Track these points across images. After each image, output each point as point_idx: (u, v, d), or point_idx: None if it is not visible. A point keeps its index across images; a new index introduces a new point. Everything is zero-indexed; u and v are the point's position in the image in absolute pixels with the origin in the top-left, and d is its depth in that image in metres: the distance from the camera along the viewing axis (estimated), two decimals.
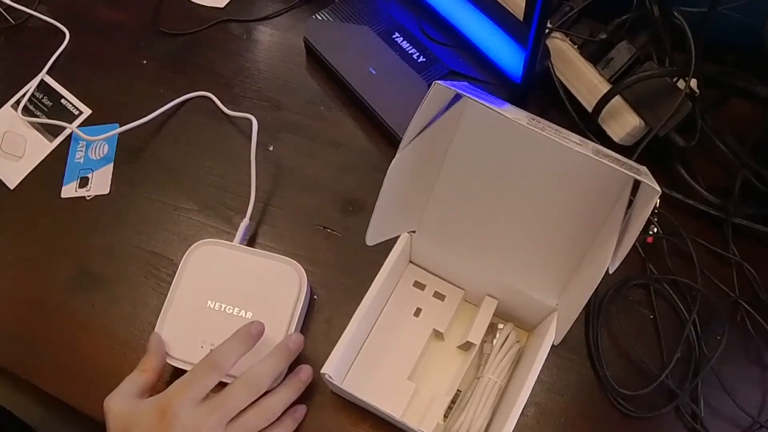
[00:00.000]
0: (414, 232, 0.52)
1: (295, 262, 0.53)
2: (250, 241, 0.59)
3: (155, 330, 0.51)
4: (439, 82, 0.39)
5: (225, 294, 0.52)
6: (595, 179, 0.44)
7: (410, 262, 0.56)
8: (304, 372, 0.50)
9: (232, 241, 0.56)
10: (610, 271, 0.41)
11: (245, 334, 0.47)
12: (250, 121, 0.61)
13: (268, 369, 0.47)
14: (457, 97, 0.43)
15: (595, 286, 0.41)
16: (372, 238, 0.48)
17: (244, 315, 0.51)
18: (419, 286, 0.55)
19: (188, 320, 0.51)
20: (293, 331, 0.51)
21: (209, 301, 0.52)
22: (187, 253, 0.53)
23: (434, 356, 0.53)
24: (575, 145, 0.38)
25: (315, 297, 0.56)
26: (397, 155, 0.43)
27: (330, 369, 0.46)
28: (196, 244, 0.54)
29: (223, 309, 0.51)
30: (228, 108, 0.65)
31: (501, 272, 0.50)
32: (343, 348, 0.47)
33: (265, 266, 0.53)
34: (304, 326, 0.55)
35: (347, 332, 0.47)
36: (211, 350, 0.46)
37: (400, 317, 0.54)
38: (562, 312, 0.47)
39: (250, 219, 0.58)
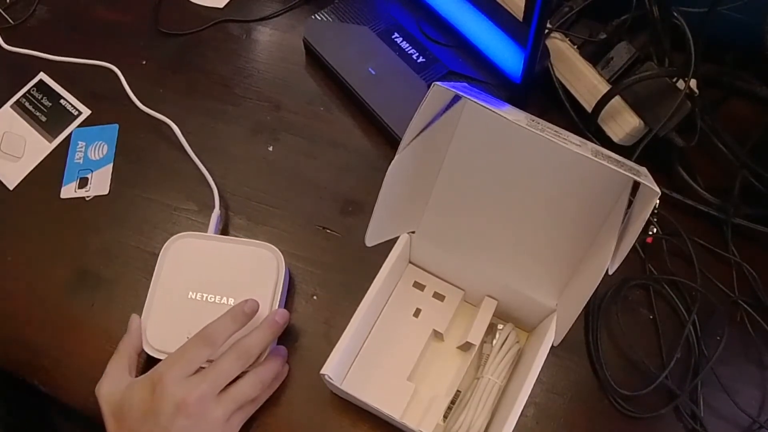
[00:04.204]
0: (413, 232, 0.52)
1: (270, 245, 0.54)
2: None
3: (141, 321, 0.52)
4: (438, 83, 0.39)
5: (205, 284, 0.53)
6: (594, 180, 0.44)
7: (410, 262, 0.56)
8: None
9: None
10: (610, 272, 0.41)
11: (239, 311, 0.48)
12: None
13: (257, 341, 0.48)
14: (456, 98, 0.43)
15: (595, 287, 0.41)
16: (371, 239, 0.48)
17: (226, 302, 0.52)
18: (419, 286, 0.55)
19: (171, 314, 0.52)
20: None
21: (190, 293, 0.52)
22: (163, 249, 0.54)
23: (434, 357, 0.53)
24: (575, 146, 0.38)
25: (314, 297, 0.56)
26: (396, 156, 0.43)
27: (329, 370, 0.46)
28: (171, 239, 0.54)
29: (204, 298, 0.52)
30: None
31: (500, 273, 0.50)
32: (343, 349, 0.47)
33: (241, 252, 0.54)
34: (303, 326, 0.55)
35: (347, 333, 0.47)
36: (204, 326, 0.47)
37: (400, 318, 0.54)
38: (561, 313, 0.47)
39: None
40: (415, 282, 0.55)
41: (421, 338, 0.52)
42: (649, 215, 0.37)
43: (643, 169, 0.40)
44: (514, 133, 0.45)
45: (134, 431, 0.44)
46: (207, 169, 0.60)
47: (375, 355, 0.52)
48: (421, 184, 0.50)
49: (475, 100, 0.38)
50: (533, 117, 0.41)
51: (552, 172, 0.45)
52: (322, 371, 0.46)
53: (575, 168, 0.44)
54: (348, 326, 0.48)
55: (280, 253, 0.54)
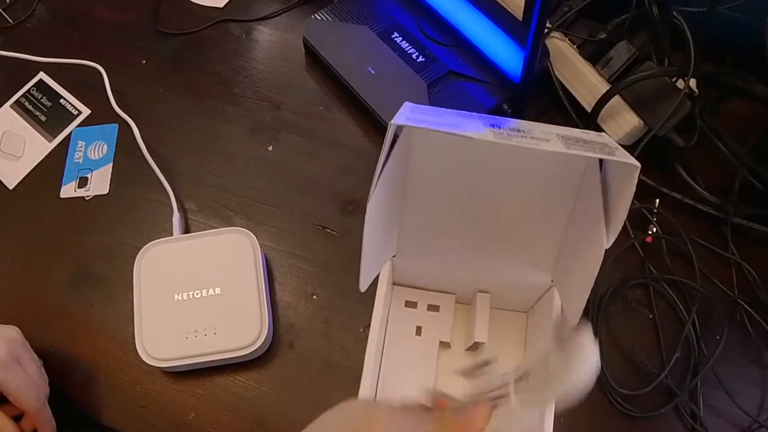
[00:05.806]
0: (394, 256, 0.51)
1: (240, 228, 0.55)
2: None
3: (135, 337, 0.51)
4: (393, 121, 0.37)
5: (187, 283, 0.53)
6: (561, 162, 0.43)
7: (394, 284, 0.55)
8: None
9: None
10: (607, 246, 0.39)
11: None
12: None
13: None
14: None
15: (598, 266, 0.39)
16: (364, 283, 0.46)
17: (214, 292, 0.52)
18: (411, 304, 0.55)
19: (163, 321, 0.52)
20: (265, 288, 0.52)
21: (176, 295, 0.52)
22: (135, 263, 0.54)
23: (447, 365, 0.53)
24: (541, 141, 0.35)
25: (314, 297, 0.56)
26: (369, 200, 0.42)
27: None
28: (140, 252, 0.54)
29: (191, 296, 0.52)
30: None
31: (487, 267, 0.50)
32: (365, 394, 0.46)
33: (213, 243, 0.55)
34: (303, 325, 0.55)
35: (364, 380, 0.46)
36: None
37: (404, 341, 0.53)
38: (568, 300, 0.46)
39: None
40: (407, 301, 0.55)
41: (431, 354, 0.52)
42: (635, 188, 0.35)
43: (610, 141, 0.37)
44: (469, 142, 0.44)
45: None
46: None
47: (394, 387, 0.51)
48: (394, 214, 0.48)
49: (422, 124, 0.36)
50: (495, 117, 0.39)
51: (517, 168, 0.44)
52: None
53: (542, 159, 0.43)
54: (363, 373, 0.46)
55: (251, 233, 0.54)
